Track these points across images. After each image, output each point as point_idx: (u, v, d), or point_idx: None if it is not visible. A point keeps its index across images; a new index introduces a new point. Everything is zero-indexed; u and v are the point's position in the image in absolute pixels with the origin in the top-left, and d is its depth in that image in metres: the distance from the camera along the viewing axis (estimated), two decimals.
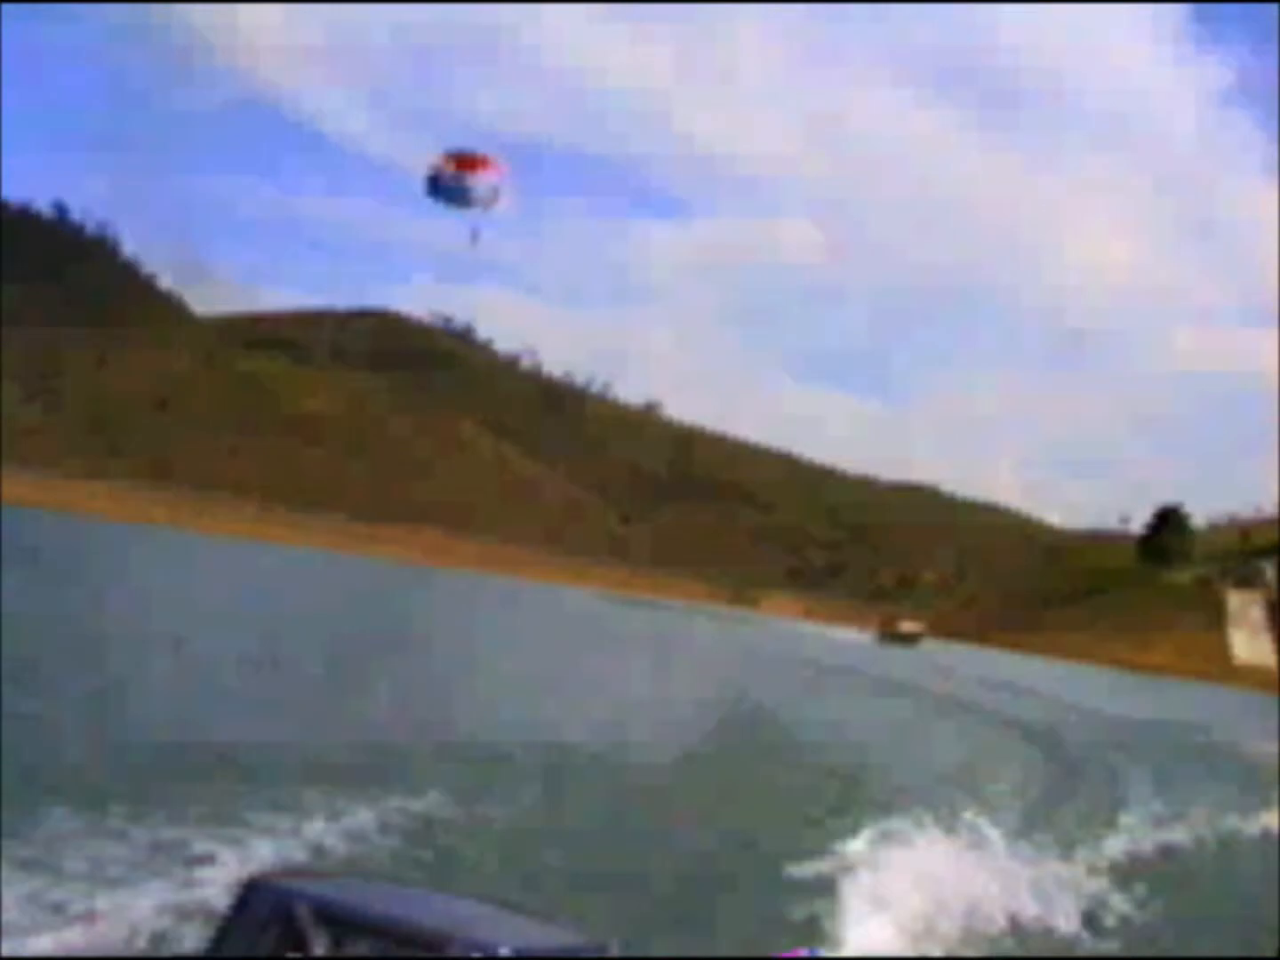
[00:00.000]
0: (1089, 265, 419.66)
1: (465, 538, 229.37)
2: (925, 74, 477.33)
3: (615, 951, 7.20)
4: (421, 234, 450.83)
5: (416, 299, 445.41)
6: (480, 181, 19.51)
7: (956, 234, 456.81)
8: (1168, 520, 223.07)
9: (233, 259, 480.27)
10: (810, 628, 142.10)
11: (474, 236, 19.80)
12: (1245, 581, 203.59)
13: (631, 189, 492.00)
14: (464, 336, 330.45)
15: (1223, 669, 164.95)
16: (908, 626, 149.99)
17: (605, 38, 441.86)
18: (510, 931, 6.41)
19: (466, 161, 19.73)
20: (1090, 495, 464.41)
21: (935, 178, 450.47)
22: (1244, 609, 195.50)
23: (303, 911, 5.87)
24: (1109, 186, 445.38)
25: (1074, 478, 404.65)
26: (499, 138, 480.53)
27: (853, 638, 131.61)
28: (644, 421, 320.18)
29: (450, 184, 19.57)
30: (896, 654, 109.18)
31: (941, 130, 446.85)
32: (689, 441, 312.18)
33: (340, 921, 5.96)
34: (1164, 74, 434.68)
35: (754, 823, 20.02)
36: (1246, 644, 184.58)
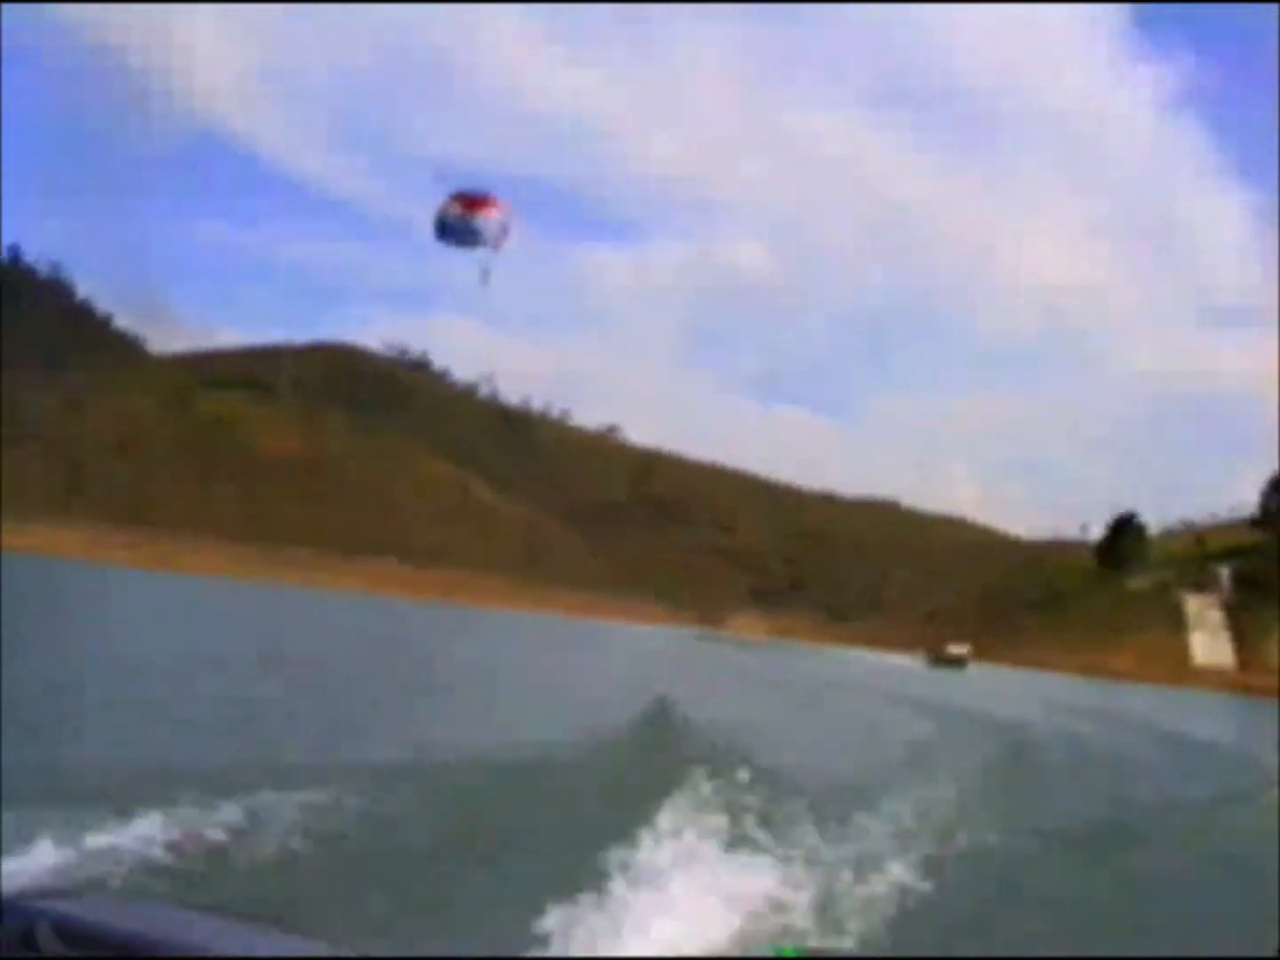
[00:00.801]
0: (1043, 274, 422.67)
1: (429, 567, 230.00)
2: (874, 92, 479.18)
3: None
4: (374, 266, 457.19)
5: (371, 331, 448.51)
6: (487, 221, 19.96)
7: (910, 249, 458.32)
8: (1124, 528, 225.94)
9: (186, 297, 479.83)
10: (869, 656, 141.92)
11: (484, 276, 20.11)
12: (1202, 586, 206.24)
13: (583, 214, 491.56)
14: (420, 366, 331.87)
15: (1182, 672, 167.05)
16: (955, 650, 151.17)
17: (555, 63, 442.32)
18: (251, 947, 6.14)
19: (472, 202, 20.16)
20: (1050, 505, 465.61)
21: (888, 194, 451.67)
22: (1202, 613, 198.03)
23: (44, 930, 5.59)
24: (1061, 195, 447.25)
25: (1033, 488, 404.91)
26: (451, 168, 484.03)
27: (904, 663, 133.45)
28: (603, 446, 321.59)
29: (458, 225, 19.99)
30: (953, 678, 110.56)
31: (892, 147, 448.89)
32: (648, 464, 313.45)
33: (82, 939, 5.65)
34: (1113, 81, 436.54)
35: None
36: (1205, 647, 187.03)
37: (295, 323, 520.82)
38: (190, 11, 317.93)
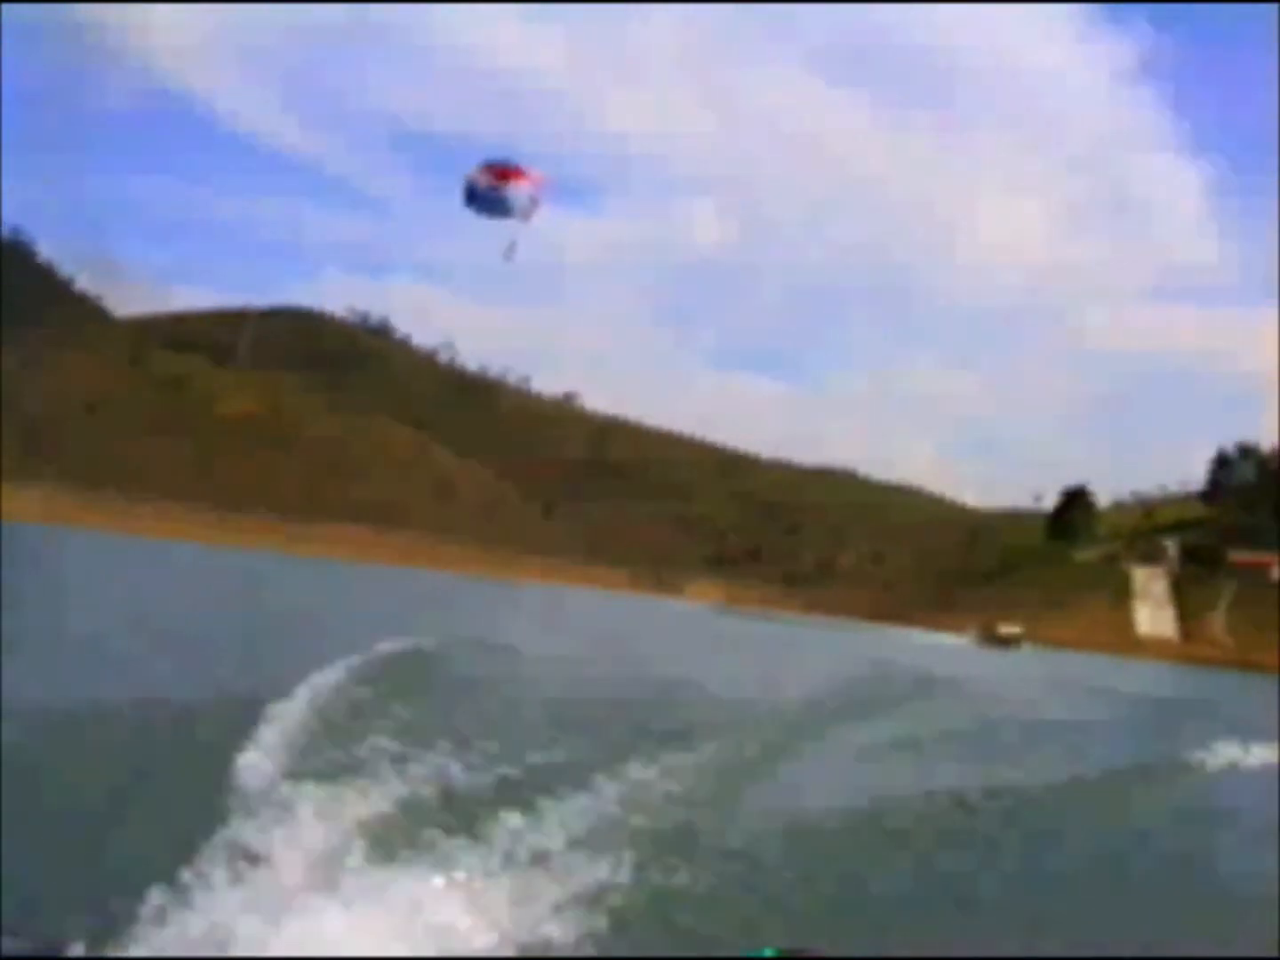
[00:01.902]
0: (1000, 246, 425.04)
1: (389, 532, 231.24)
2: (834, 61, 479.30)
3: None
4: (334, 230, 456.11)
5: (331, 295, 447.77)
6: (518, 192, 19.63)
7: (869, 219, 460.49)
8: (1074, 500, 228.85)
9: (145, 259, 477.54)
10: (919, 636, 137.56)
11: (510, 249, 19.75)
12: (1149, 558, 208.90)
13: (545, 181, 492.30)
14: (381, 332, 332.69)
15: (1127, 641, 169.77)
16: (1005, 630, 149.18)
17: (514, 32, 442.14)
18: None
19: (505, 172, 19.78)
20: (1005, 475, 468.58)
21: (846, 164, 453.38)
22: (1148, 584, 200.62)
23: None
24: (1018, 167, 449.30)
25: (989, 458, 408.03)
26: (409, 134, 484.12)
27: (955, 643, 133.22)
28: (562, 413, 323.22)
29: (488, 194, 19.65)
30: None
31: (851, 116, 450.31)
32: (607, 432, 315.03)
33: None
34: (1070, 53, 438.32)
35: None
36: (1149, 617, 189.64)
37: (256, 285, 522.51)
38: None
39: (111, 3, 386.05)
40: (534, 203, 19.52)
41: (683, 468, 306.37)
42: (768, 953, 9.29)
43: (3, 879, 10.64)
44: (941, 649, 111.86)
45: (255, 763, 14.23)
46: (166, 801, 12.98)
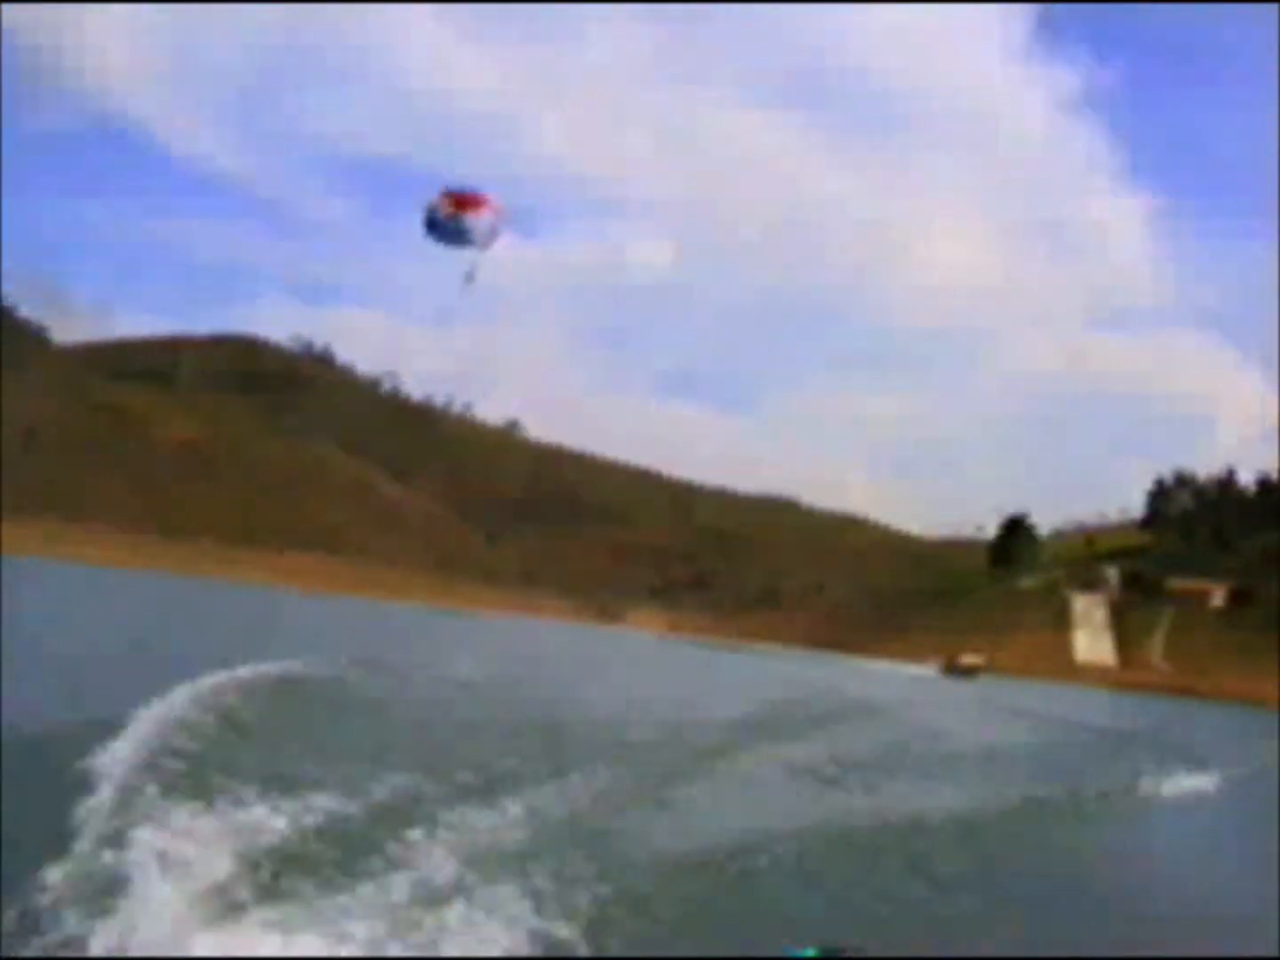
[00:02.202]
0: (941, 272, 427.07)
1: (332, 560, 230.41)
2: (774, 85, 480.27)
3: None
4: (277, 256, 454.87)
5: (274, 321, 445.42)
6: (478, 221, 19.77)
7: (809, 244, 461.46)
8: (1015, 528, 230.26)
9: (86, 285, 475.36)
10: (882, 666, 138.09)
11: (469, 277, 20.02)
12: (1089, 585, 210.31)
13: None
14: (323, 359, 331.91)
15: (1067, 668, 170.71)
16: (968, 660, 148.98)
17: (456, 57, 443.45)
18: None
19: (463, 201, 19.91)
20: (948, 504, 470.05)
21: (785, 188, 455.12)
22: (1087, 611, 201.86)
23: None
24: (958, 193, 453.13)
25: (932, 487, 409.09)
26: (351, 159, 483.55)
27: (919, 672, 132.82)
28: (504, 441, 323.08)
29: (448, 224, 19.79)
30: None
31: (791, 140, 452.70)
32: (550, 460, 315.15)
33: None
34: (1012, 81, 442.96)
35: None
36: (1088, 644, 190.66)
37: (198, 311, 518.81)
38: None
39: (48, 26, 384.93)
40: (494, 231, 19.95)
41: (625, 496, 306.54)
42: (810, 952, 10.06)
43: None
44: (890, 676, 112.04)
45: (100, 782, 14.08)
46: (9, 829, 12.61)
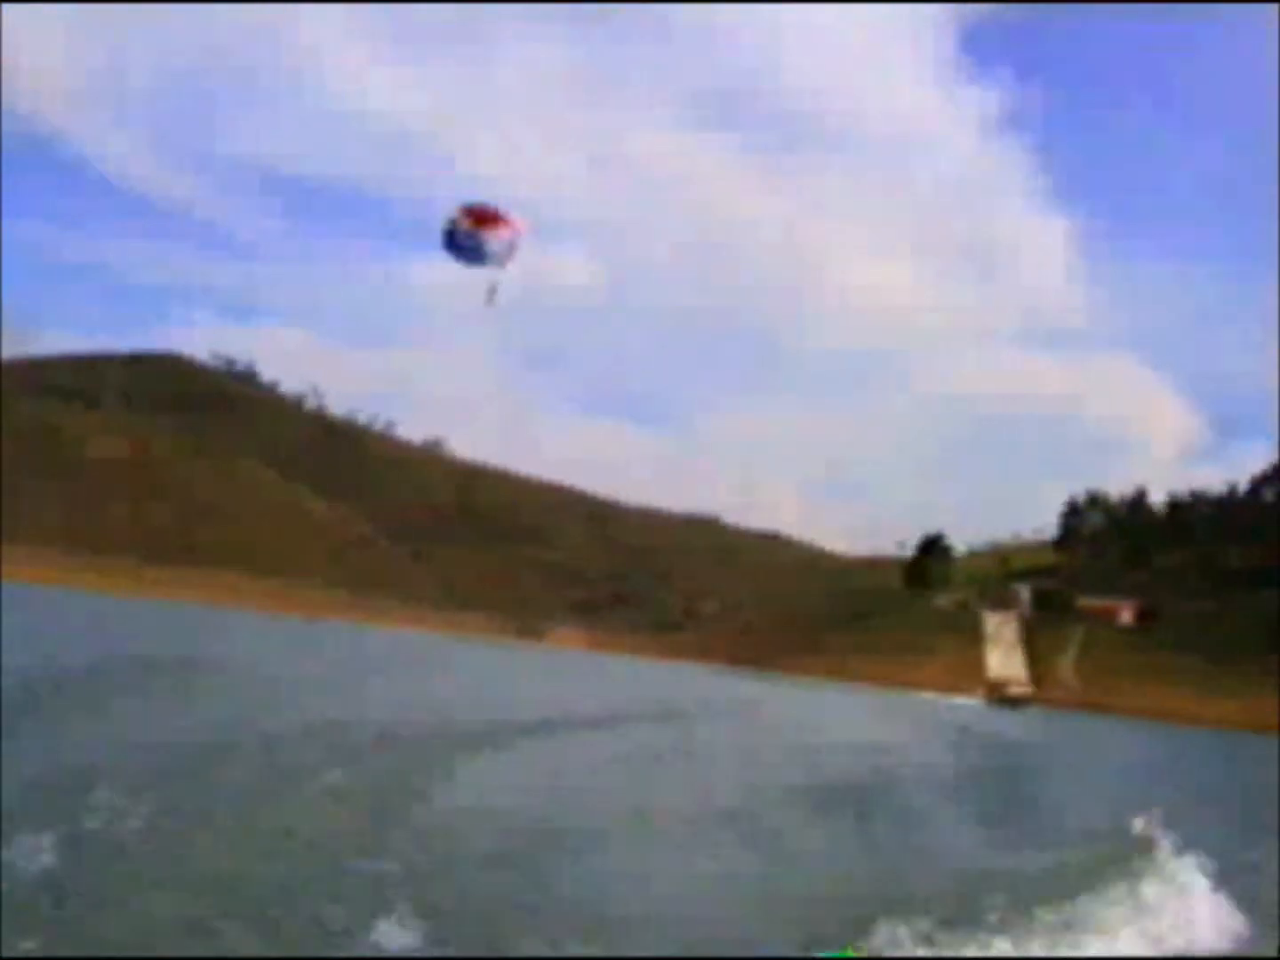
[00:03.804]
0: (868, 293, 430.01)
1: (256, 578, 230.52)
2: (702, 106, 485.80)
3: None
4: (201, 275, 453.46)
5: (198, 339, 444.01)
6: (496, 239, 19.75)
7: (736, 264, 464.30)
8: (930, 547, 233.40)
9: (13, 303, 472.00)
10: (928, 696, 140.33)
11: (490, 294, 19.95)
12: (1002, 603, 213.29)
13: (410, 226, 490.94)
14: (248, 377, 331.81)
15: (978, 684, 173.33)
16: (1015, 690, 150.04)
17: (383, 76, 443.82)
18: None
19: (483, 218, 19.87)
20: (869, 523, 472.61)
21: (713, 208, 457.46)
22: (999, 629, 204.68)
23: None
24: (882, 214, 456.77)
25: (853, 506, 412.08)
26: (276, 178, 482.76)
27: (966, 704, 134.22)
28: (427, 459, 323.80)
29: (465, 241, 19.78)
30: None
31: (719, 161, 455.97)
32: (472, 478, 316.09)
33: None
34: (936, 101, 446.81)
35: None
36: (1000, 661, 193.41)
37: (124, 329, 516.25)
38: (12, 10, 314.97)
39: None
40: (511, 249, 19.89)
41: (548, 514, 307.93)
42: (849, 954, 10.71)
43: None
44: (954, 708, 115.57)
45: None
46: None
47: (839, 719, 76.19)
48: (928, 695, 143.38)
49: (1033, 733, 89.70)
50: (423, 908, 14.50)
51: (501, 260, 19.87)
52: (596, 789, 26.71)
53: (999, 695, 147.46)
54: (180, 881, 14.87)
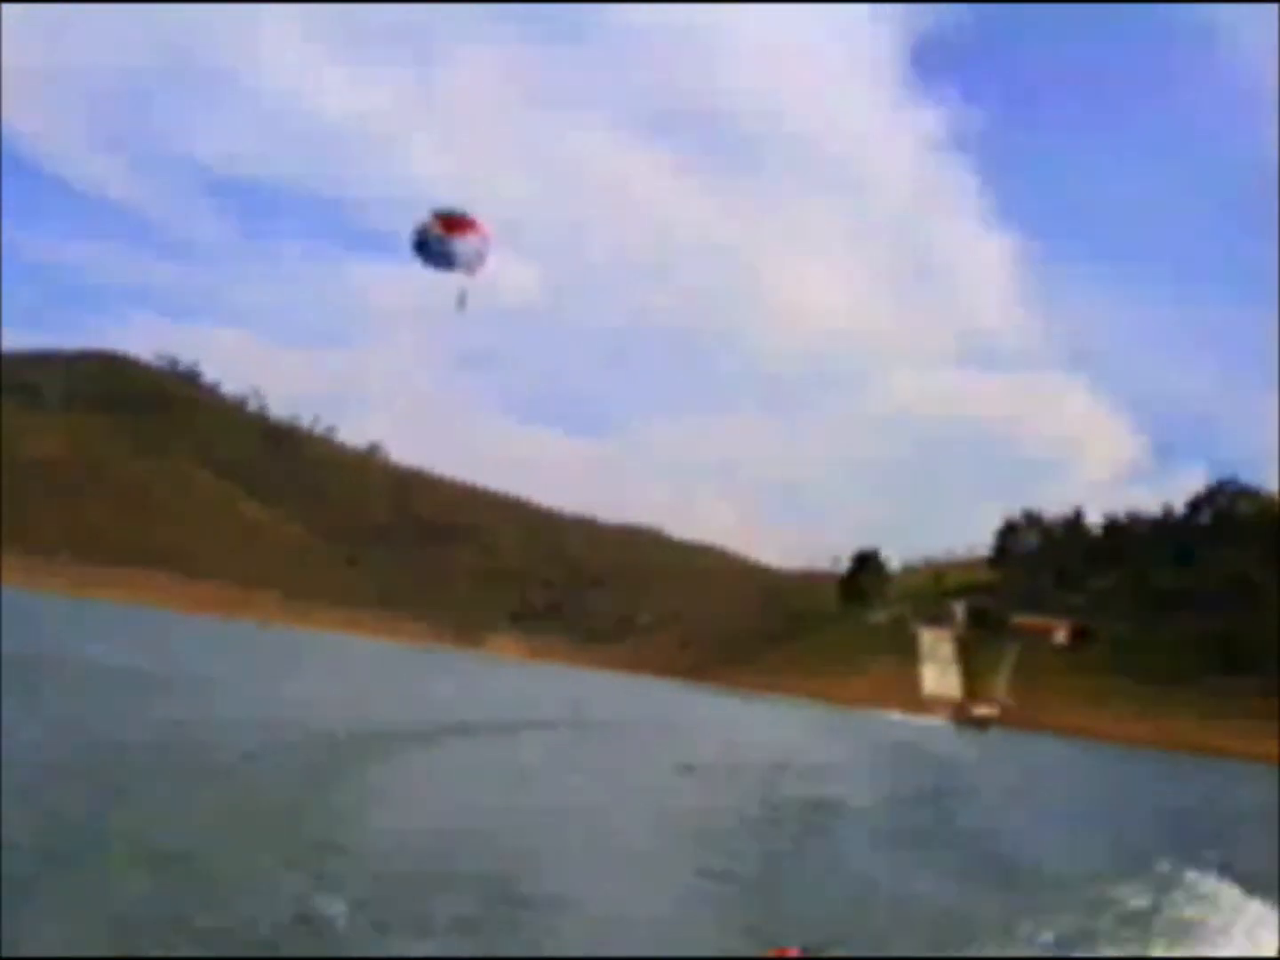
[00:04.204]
0: (808, 309, 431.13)
1: (193, 580, 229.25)
2: (649, 119, 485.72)
3: None
4: (144, 275, 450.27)
5: (141, 339, 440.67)
6: (465, 244, 19.71)
7: (678, 277, 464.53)
8: (865, 563, 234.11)
9: None
10: (895, 717, 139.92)
11: (460, 301, 19.87)
12: (937, 620, 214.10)
13: (354, 230, 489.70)
14: (190, 379, 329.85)
15: (913, 701, 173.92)
16: (981, 710, 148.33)
17: (329, 80, 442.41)
18: None
19: (452, 223, 19.83)
20: (806, 537, 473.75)
21: (656, 222, 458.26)
22: (935, 646, 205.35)
23: None
24: (829, 231, 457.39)
25: (790, 520, 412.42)
26: (221, 178, 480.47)
27: (930, 723, 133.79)
28: (366, 464, 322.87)
29: (436, 246, 19.71)
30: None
31: (664, 174, 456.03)
32: (411, 484, 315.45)
33: None
34: (882, 120, 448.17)
35: None
36: (935, 678, 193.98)
37: (65, 327, 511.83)
38: None
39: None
40: (480, 255, 19.84)
41: (487, 521, 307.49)
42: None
43: None
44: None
45: None
46: None
47: (753, 734, 76.29)
48: (895, 715, 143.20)
49: (963, 750, 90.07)
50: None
51: (471, 266, 19.83)
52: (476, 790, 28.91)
53: (965, 716, 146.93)
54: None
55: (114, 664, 49.96)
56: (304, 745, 30.16)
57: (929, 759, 68.17)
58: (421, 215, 19.86)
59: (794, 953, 13.77)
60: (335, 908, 15.53)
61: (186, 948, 13.74)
